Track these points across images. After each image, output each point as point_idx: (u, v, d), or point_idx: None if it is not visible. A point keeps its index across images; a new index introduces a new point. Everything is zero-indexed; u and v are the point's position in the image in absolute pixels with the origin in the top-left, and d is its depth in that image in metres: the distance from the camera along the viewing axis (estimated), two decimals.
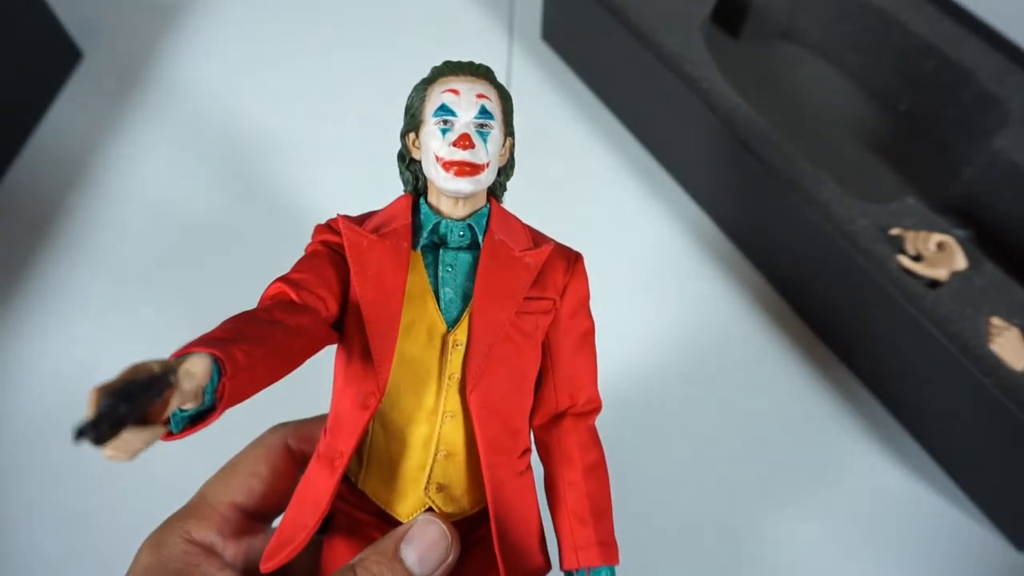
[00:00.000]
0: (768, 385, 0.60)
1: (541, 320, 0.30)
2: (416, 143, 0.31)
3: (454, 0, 0.84)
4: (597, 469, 0.31)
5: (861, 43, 0.70)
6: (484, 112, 0.30)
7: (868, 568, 0.52)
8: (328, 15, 0.83)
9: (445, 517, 0.29)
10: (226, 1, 0.84)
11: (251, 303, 0.28)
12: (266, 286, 0.28)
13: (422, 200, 0.31)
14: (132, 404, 0.18)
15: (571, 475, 0.30)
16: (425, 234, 0.30)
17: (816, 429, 0.58)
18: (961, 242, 0.52)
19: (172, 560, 0.28)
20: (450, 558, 0.28)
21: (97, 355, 0.60)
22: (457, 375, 0.29)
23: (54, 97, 0.75)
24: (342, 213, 0.31)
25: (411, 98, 0.31)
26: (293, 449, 0.34)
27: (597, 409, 0.32)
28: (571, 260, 0.32)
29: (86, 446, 0.17)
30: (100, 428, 0.17)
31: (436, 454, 0.29)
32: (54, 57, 0.75)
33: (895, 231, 0.53)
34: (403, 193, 0.32)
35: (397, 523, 0.29)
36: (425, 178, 0.31)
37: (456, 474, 0.29)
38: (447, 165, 0.29)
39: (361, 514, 0.30)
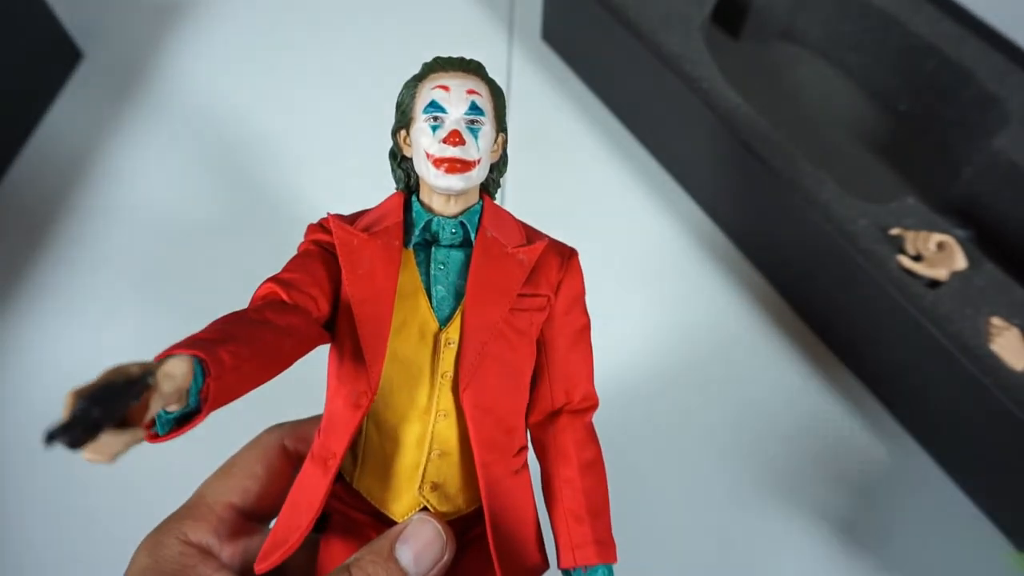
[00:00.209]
0: (768, 385, 0.60)
1: (535, 317, 0.30)
2: (407, 140, 0.31)
3: (454, 0, 0.84)
4: (594, 466, 0.30)
5: (861, 43, 0.70)
6: (475, 108, 0.29)
7: (867, 567, 0.52)
8: (327, 16, 0.83)
9: (440, 516, 0.29)
10: (226, 1, 0.84)
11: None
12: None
13: (414, 198, 0.31)
14: (107, 408, 0.17)
15: (567, 472, 0.30)
16: (417, 232, 0.30)
17: (816, 429, 0.58)
18: (961, 242, 0.52)
19: (168, 561, 0.28)
20: (445, 557, 0.28)
21: (97, 355, 0.60)
22: (450, 373, 0.28)
23: (54, 97, 0.75)
24: (333, 212, 0.30)
25: (402, 95, 0.31)
26: (289, 450, 0.33)
27: (594, 406, 0.32)
28: (565, 256, 0.31)
29: (67, 449, 0.17)
30: (73, 432, 0.17)
31: (430, 453, 0.29)
32: (54, 57, 0.75)
33: (895, 231, 0.53)
34: (395, 191, 0.32)
35: (392, 523, 0.29)
36: (417, 176, 0.31)
37: (450, 473, 0.29)
38: (437, 162, 0.29)
39: (357, 514, 0.30)
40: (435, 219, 0.30)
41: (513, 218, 0.32)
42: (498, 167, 0.32)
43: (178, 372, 0.20)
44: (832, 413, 0.59)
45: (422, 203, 0.30)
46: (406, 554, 0.27)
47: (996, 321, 0.49)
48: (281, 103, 0.75)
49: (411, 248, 0.30)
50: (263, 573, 0.29)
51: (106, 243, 0.66)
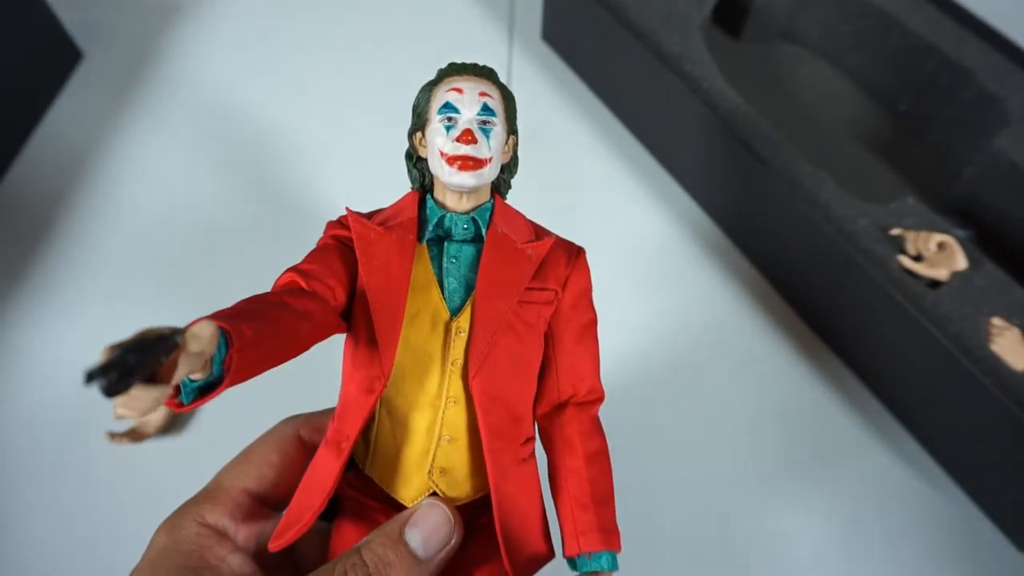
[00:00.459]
0: (768, 385, 0.60)
1: (543, 310, 0.31)
2: (422, 141, 0.32)
3: (454, 0, 0.84)
4: (599, 457, 0.31)
5: (861, 43, 0.70)
6: (486, 109, 0.31)
7: (867, 567, 0.52)
8: (327, 14, 0.83)
9: (449, 502, 0.30)
10: (226, 2, 0.84)
11: None
12: (267, 284, 0.30)
13: (428, 196, 0.32)
14: (140, 356, 0.19)
15: (573, 462, 0.31)
16: (430, 227, 0.31)
17: (816, 428, 0.58)
18: (961, 242, 0.52)
19: (186, 542, 0.29)
20: (453, 541, 0.29)
21: (97, 355, 0.60)
22: (460, 361, 0.30)
23: (54, 97, 0.75)
24: (351, 208, 0.32)
25: (418, 99, 0.32)
26: (304, 439, 0.35)
27: (600, 399, 0.33)
28: (573, 253, 0.33)
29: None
30: (109, 375, 0.18)
31: (439, 439, 0.30)
32: (54, 57, 0.75)
33: (895, 231, 0.53)
34: (410, 190, 0.33)
35: (402, 508, 0.30)
36: (431, 175, 0.32)
37: (459, 459, 0.30)
38: (451, 160, 0.30)
39: (368, 499, 0.31)
40: (448, 215, 0.31)
41: (522, 216, 0.33)
42: (509, 168, 0.33)
43: (204, 334, 0.21)
44: (832, 413, 0.59)
45: (436, 200, 0.32)
46: (415, 537, 0.28)
47: (996, 321, 0.49)
48: (281, 103, 0.75)
49: (425, 243, 0.31)
50: (277, 551, 0.30)
51: (106, 243, 0.66)
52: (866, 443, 0.57)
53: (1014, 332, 0.49)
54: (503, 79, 0.81)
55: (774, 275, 0.64)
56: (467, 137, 0.30)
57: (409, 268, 0.30)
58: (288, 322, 0.26)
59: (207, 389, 0.24)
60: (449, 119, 0.30)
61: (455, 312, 0.30)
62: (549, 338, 0.32)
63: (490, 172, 0.31)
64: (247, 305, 0.26)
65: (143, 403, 0.20)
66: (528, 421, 0.31)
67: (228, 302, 0.26)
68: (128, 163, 0.71)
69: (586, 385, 0.32)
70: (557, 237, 0.33)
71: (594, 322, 0.33)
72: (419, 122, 0.32)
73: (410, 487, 0.30)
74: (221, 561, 0.29)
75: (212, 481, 0.33)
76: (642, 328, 0.62)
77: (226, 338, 0.23)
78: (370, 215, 0.32)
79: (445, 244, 0.31)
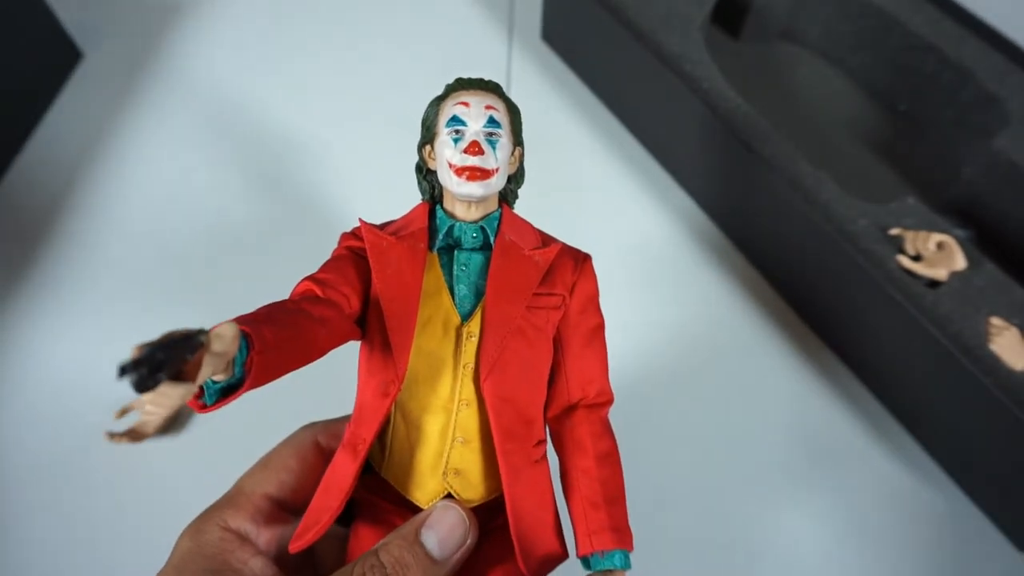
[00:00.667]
0: (767, 385, 0.60)
1: (551, 315, 0.32)
2: (431, 154, 0.33)
3: (454, 0, 0.84)
4: (610, 457, 0.32)
5: (861, 43, 0.70)
6: (492, 122, 0.32)
7: (867, 567, 0.52)
8: (326, 14, 0.83)
9: (464, 503, 0.31)
10: (226, 2, 0.84)
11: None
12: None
13: (438, 206, 0.33)
14: (168, 353, 0.20)
15: (584, 463, 0.32)
16: (440, 236, 0.32)
17: (816, 429, 0.58)
18: (961, 242, 0.52)
19: (209, 546, 0.30)
20: (468, 542, 0.30)
21: (97, 355, 0.60)
22: (471, 364, 0.30)
23: (54, 97, 0.75)
24: (363, 219, 0.33)
25: (426, 113, 0.33)
26: (322, 446, 0.35)
27: (609, 401, 0.33)
28: (579, 259, 0.34)
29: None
30: (140, 370, 0.19)
31: (453, 441, 0.31)
32: (54, 57, 0.75)
33: (895, 231, 0.53)
34: (420, 201, 0.34)
35: (418, 510, 0.31)
36: (441, 186, 0.33)
37: (473, 461, 0.31)
38: (459, 171, 0.31)
39: (384, 502, 0.32)
40: (457, 224, 0.32)
41: (530, 225, 0.34)
42: (516, 178, 0.34)
43: (227, 334, 0.22)
44: (831, 413, 0.59)
45: (445, 211, 0.33)
46: (431, 538, 0.29)
47: (996, 321, 0.49)
48: (280, 103, 0.75)
49: (435, 252, 0.32)
50: (297, 552, 0.30)
51: (106, 243, 0.66)
52: (865, 442, 0.57)
53: (1013, 332, 0.49)
54: (503, 80, 0.81)
55: (773, 275, 0.64)
56: (474, 149, 0.31)
57: (421, 276, 0.31)
58: (306, 327, 0.27)
59: (229, 391, 0.25)
60: (456, 132, 0.32)
61: (466, 317, 0.31)
62: (558, 342, 0.33)
63: (497, 182, 0.32)
64: (267, 310, 0.27)
65: (170, 399, 0.21)
66: (539, 424, 0.32)
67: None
68: (128, 163, 0.71)
69: (595, 388, 0.33)
70: (564, 244, 0.34)
71: (602, 326, 0.34)
72: (428, 135, 0.33)
73: (425, 489, 0.31)
74: (243, 564, 0.30)
75: (233, 487, 0.33)
76: (639, 327, 0.62)
77: (247, 341, 0.24)
78: (382, 226, 0.33)
79: (455, 252, 0.32)
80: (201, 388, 0.25)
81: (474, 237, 0.32)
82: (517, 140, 0.33)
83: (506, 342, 0.30)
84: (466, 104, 0.32)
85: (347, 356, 0.32)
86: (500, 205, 0.33)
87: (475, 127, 0.32)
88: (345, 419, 0.36)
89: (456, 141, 0.31)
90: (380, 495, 0.32)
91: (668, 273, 0.65)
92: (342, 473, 0.30)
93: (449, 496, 0.31)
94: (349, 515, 0.32)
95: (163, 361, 0.19)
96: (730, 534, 0.54)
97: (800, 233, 0.57)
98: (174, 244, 0.66)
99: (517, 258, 0.31)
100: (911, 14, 0.65)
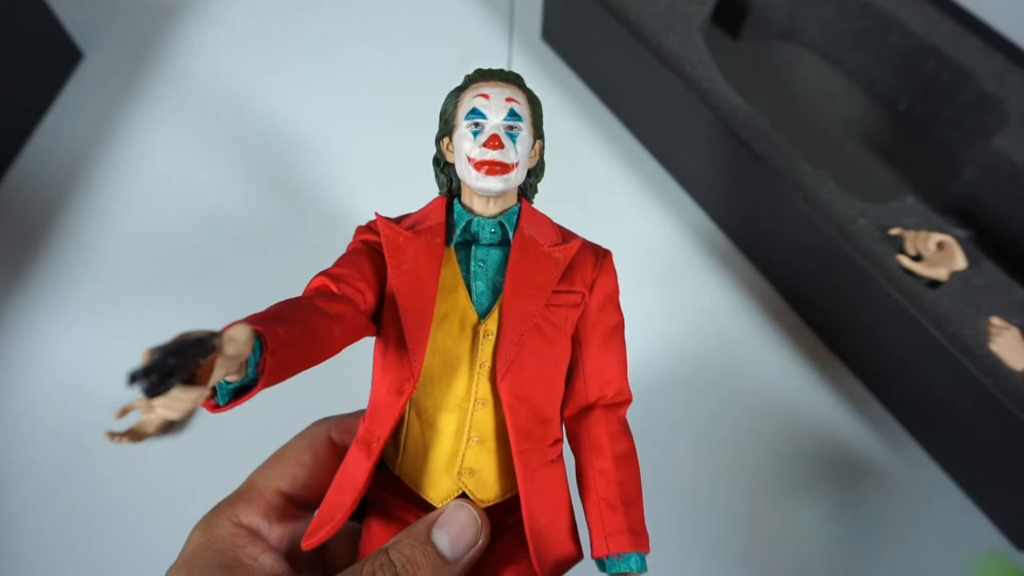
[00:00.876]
0: (767, 385, 0.60)
1: (570, 313, 0.31)
2: (450, 147, 0.32)
3: (454, 0, 0.84)
4: (627, 458, 0.31)
5: (861, 43, 0.70)
6: (513, 115, 0.31)
7: (867, 567, 0.52)
8: (326, 14, 0.83)
9: (478, 503, 0.30)
10: (226, 1, 0.84)
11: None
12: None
13: (456, 200, 0.32)
14: (179, 358, 0.19)
15: (601, 463, 0.31)
16: (458, 231, 0.31)
17: (816, 428, 0.58)
18: (961, 242, 0.52)
19: (220, 541, 0.30)
20: (480, 542, 0.29)
21: (97, 356, 0.60)
22: (488, 363, 0.30)
23: (54, 97, 0.75)
24: (380, 213, 0.32)
25: (445, 104, 0.32)
26: (336, 441, 0.35)
27: (627, 401, 0.33)
28: (599, 256, 0.33)
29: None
30: (151, 377, 0.19)
31: (468, 441, 0.30)
32: (54, 57, 0.75)
33: (895, 231, 0.53)
34: (438, 195, 0.33)
35: (431, 509, 0.30)
36: (459, 180, 0.32)
37: (487, 460, 0.30)
38: (478, 165, 0.30)
39: (397, 500, 0.31)
40: (475, 219, 0.31)
41: (549, 220, 0.33)
42: (536, 172, 0.34)
43: (240, 337, 0.22)
44: (832, 413, 0.59)
45: (463, 205, 0.32)
46: (443, 538, 0.28)
47: (996, 321, 0.49)
48: (280, 102, 0.75)
49: (453, 247, 0.31)
50: (310, 549, 0.30)
51: (105, 243, 0.66)
52: (866, 442, 0.57)
53: (1013, 332, 0.49)
54: None
55: (773, 274, 0.64)
56: (494, 142, 0.30)
57: (437, 271, 0.30)
58: (320, 324, 0.26)
59: (242, 391, 0.25)
60: (476, 124, 0.31)
61: (483, 315, 0.30)
62: (576, 341, 0.32)
63: (517, 177, 0.31)
64: (280, 308, 0.26)
65: (182, 403, 0.20)
66: (556, 423, 0.31)
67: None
68: (128, 163, 0.71)
69: (613, 387, 0.32)
70: (584, 240, 0.33)
71: (621, 324, 0.33)
72: (446, 128, 0.32)
73: (439, 488, 0.30)
74: (254, 560, 0.30)
75: (246, 482, 0.33)
76: (639, 327, 0.62)
77: (260, 341, 0.24)
78: (398, 220, 0.32)
79: (473, 248, 0.31)
80: (213, 388, 0.24)
81: (492, 232, 0.31)
82: (538, 133, 0.32)
83: (524, 341, 0.30)
84: (486, 96, 0.31)
85: (361, 350, 0.31)
86: (519, 200, 0.33)
87: (495, 120, 0.31)
88: (358, 414, 0.36)
89: (476, 134, 0.31)
90: (393, 493, 0.31)
91: (667, 271, 0.65)
92: (356, 471, 0.30)
93: (463, 496, 0.30)
94: (362, 510, 0.31)
95: (175, 367, 0.19)
96: (735, 535, 0.54)
97: (800, 233, 0.57)
98: (174, 244, 0.66)
99: (536, 254, 0.31)
100: (911, 14, 0.65)
